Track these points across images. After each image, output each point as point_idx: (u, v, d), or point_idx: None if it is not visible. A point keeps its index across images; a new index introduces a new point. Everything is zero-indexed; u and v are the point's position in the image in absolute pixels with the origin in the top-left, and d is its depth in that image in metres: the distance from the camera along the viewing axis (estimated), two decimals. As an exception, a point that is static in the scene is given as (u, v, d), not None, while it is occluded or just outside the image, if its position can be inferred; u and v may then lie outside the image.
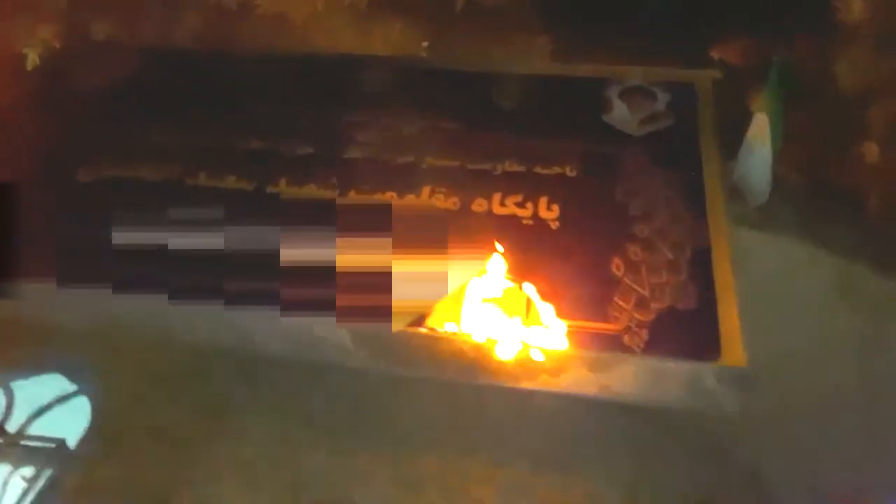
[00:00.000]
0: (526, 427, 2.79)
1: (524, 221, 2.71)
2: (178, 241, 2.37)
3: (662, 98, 3.00)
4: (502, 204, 2.76)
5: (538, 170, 2.85)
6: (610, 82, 3.07)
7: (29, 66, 3.23)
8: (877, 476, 2.56)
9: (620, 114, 2.97)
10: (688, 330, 2.41)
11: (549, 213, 2.72)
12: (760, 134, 2.76)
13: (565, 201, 2.74)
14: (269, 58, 3.28)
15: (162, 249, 2.38)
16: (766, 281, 2.70)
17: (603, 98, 3.03)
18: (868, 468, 2.60)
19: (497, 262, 2.56)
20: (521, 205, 2.75)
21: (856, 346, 2.76)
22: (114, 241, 2.39)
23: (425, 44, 3.40)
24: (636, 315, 2.44)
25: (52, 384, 3.21)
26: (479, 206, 2.76)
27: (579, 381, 2.44)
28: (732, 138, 2.87)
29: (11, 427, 3.07)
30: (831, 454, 2.61)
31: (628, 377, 2.42)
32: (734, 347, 2.36)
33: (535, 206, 2.74)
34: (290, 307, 2.37)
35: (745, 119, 2.85)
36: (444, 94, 3.14)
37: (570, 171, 2.84)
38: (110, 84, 3.24)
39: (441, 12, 3.25)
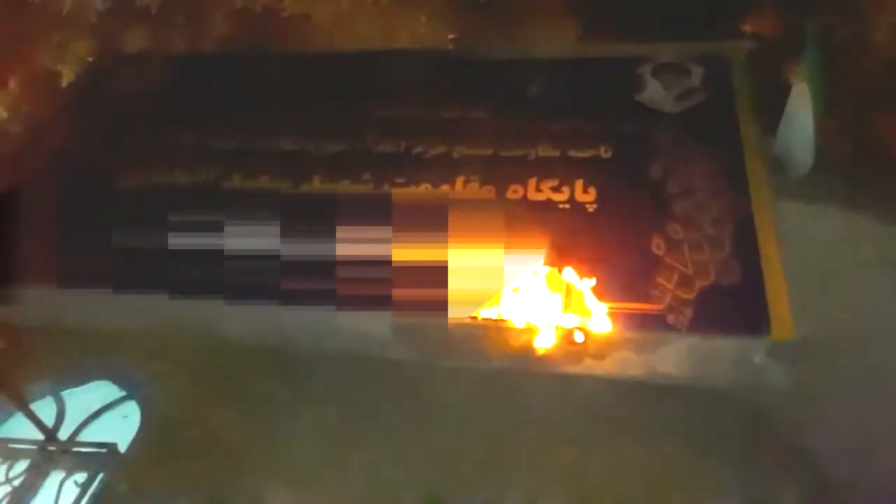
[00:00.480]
0: (572, 413, 2.75)
1: (561, 206, 2.68)
2: (229, 243, 2.40)
3: (696, 73, 2.95)
4: (538, 189, 2.74)
5: (572, 153, 2.82)
6: (641, 61, 3.03)
7: (64, 83, 3.30)
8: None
9: (654, 92, 2.92)
10: (734, 306, 2.37)
11: (586, 195, 2.69)
12: (801, 104, 2.69)
13: (601, 183, 2.71)
14: (296, 58, 3.31)
15: (212, 252, 2.41)
16: (813, 253, 2.63)
17: (635, 77, 2.99)
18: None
19: (539, 249, 2.54)
20: (556, 189, 2.72)
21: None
22: (170, 244, 2.43)
23: (451, 36, 3.38)
24: (679, 293, 2.40)
25: (102, 391, 3.26)
26: (514, 192, 2.74)
27: (624, 363, 2.41)
28: (770, 110, 2.81)
29: (63, 434, 3.13)
30: (884, 428, 2.53)
31: (674, 357, 2.38)
32: (783, 322, 2.31)
33: (572, 189, 2.71)
34: (336, 303, 2.39)
35: (781, 90, 2.78)
36: (473, 84, 3.14)
37: (604, 153, 2.81)
38: (143, 94, 3.29)
39: (465, 3, 3.23)
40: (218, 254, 2.47)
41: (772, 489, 2.75)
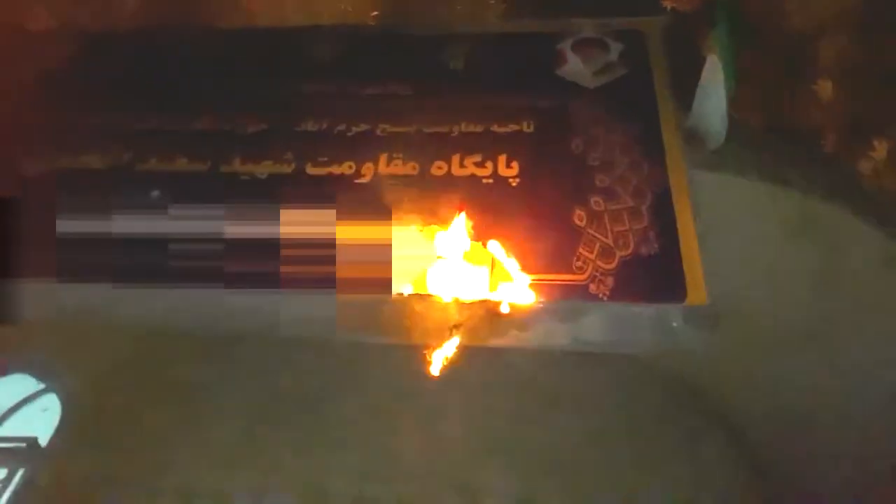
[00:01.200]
0: (501, 384, 2.81)
1: (484, 181, 2.70)
2: (128, 225, 2.33)
3: (615, 48, 2.99)
4: (462, 165, 2.74)
5: (495, 128, 2.83)
6: (562, 36, 3.05)
7: (-39, 66, 3.12)
8: (836, 402, 2.63)
9: (574, 66, 2.96)
10: (652, 274, 2.43)
11: (509, 170, 2.71)
12: (714, 76, 2.76)
13: (524, 158, 2.73)
14: (214, 35, 3.20)
15: (109, 236, 2.33)
16: (727, 221, 2.73)
17: (556, 52, 3.01)
18: (828, 395, 2.67)
19: (459, 223, 2.55)
20: (480, 164, 2.73)
21: (814, 279, 2.82)
22: (59, 231, 2.33)
23: (374, 12, 3.34)
24: (601, 264, 2.45)
25: (20, 385, 3.15)
26: (438, 168, 2.73)
27: (549, 332, 2.45)
28: (686, 83, 2.87)
29: (-19, 430, 3.02)
30: (795, 383, 2.67)
31: (597, 325, 2.44)
32: (697, 287, 2.38)
33: (495, 164, 2.73)
34: (242, 282, 2.36)
35: (698, 63, 2.85)
36: (396, 60, 3.11)
37: (526, 128, 2.83)
38: (50, 73, 3.14)
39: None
40: (138, 238, 2.40)
41: (693, 446, 2.88)
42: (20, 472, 2.88)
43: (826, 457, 2.85)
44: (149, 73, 3.14)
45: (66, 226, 2.33)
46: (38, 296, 2.60)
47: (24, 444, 2.96)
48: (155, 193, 2.55)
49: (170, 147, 2.84)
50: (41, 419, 3.06)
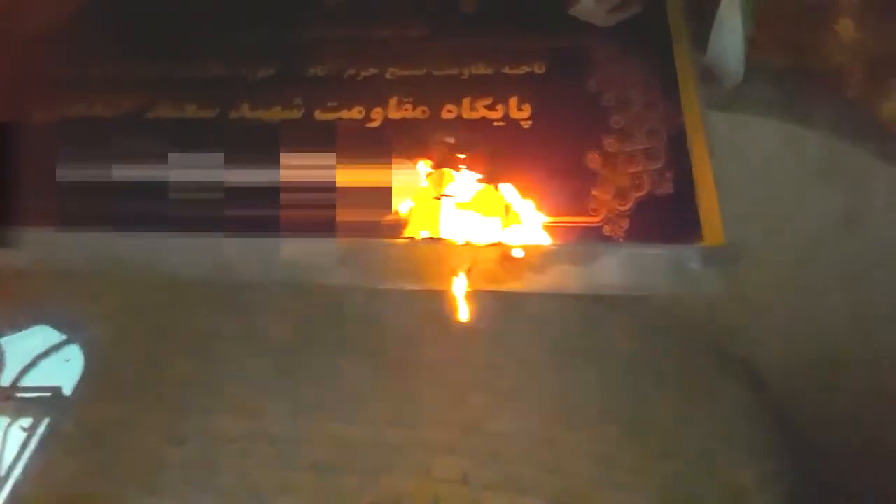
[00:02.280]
0: (516, 329, 2.80)
1: (495, 123, 2.65)
2: (136, 172, 2.33)
3: (629, -15, 2.90)
4: (472, 108, 2.69)
5: (506, 70, 2.78)
6: (574, -26, 2.97)
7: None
8: (859, 345, 2.60)
9: (587, 5, 2.87)
10: (667, 215, 2.39)
11: (521, 112, 2.66)
12: (731, 13, 2.69)
13: (536, 100, 2.67)
14: (219, -20, 3.15)
15: (121, 183, 2.34)
16: (745, 162, 2.68)
17: (567, -9, 2.93)
18: (850, 338, 2.63)
19: (471, 165, 2.52)
20: (491, 107, 2.68)
21: (836, 222, 2.77)
22: (59, 178, 2.34)
23: (387, -48, 3.26)
24: (615, 205, 2.41)
25: (42, 335, 3.20)
26: (448, 112, 2.69)
27: (564, 275, 2.43)
28: (702, 21, 2.80)
29: (5, 381, 3.08)
30: (817, 326, 2.64)
31: (612, 267, 2.41)
32: (714, 228, 2.34)
33: (506, 107, 2.67)
34: (276, 229, 2.36)
35: (715, 1, 2.77)
36: (406, 2, 3.04)
37: (538, 69, 2.77)
38: (56, 22, 3.11)
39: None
40: (151, 185, 2.40)
41: (712, 392, 2.87)
42: (45, 421, 2.94)
43: (849, 401, 2.83)
44: (155, 20, 3.10)
45: (69, 174, 2.33)
46: (51, 243, 2.63)
47: (48, 394, 3.02)
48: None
49: (179, 94, 2.82)
50: (64, 369, 3.11)
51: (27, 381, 3.11)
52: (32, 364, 3.16)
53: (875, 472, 2.97)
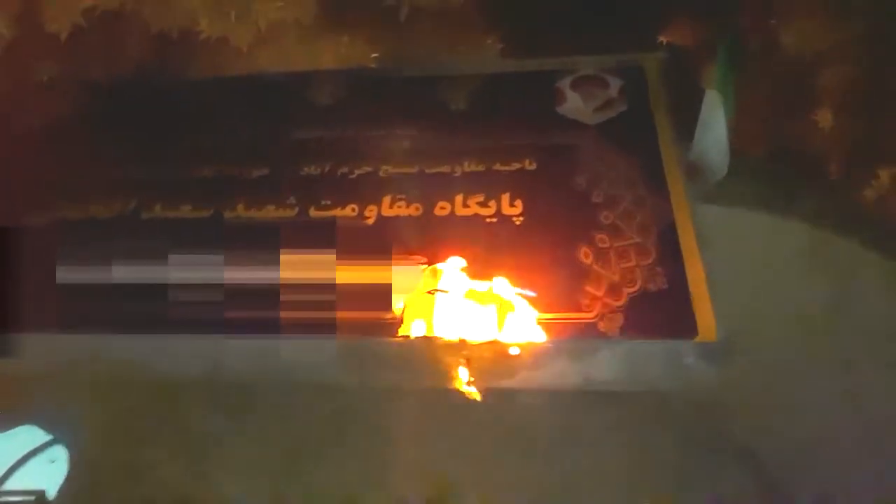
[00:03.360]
0: (514, 426, 2.77)
1: (488, 220, 2.70)
2: (134, 273, 2.34)
3: (614, 84, 3.01)
4: (465, 205, 2.75)
5: (497, 167, 2.85)
6: (561, 74, 3.08)
7: (-32, 115, 3.15)
8: (853, 433, 2.58)
9: (574, 104, 2.98)
10: (661, 310, 2.42)
11: (513, 209, 2.72)
12: (713, 110, 2.77)
13: (527, 196, 2.74)
14: (215, 82, 3.23)
15: (118, 284, 2.34)
16: (734, 254, 2.71)
17: (555, 90, 3.04)
18: (845, 426, 2.62)
19: (464, 263, 2.55)
20: (483, 204, 2.74)
21: (826, 309, 2.79)
22: (59, 280, 2.34)
23: (374, 55, 3.37)
24: (609, 301, 2.44)
25: (27, 436, 3.12)
26: (442, 209, 2.74)
27: (560, 372, 2.44)
28: (687, 117, 2.89)
29: (-12, 484, 2.98)
30: (813, 414, 2.63)
31: (608, 363, 2.42)
32: (708, 323, 2.37)
33: (498, 203, 2.73)
34: (272, 329, 2.36)
35: (697, 97, 2.87)
36: (397, 102, 3.13)
37: (528, 165, 2.84)
38: (56, 123, 3.17)
39: (387, 22, 3.23)
40: (143, 286, 2.41)
41: (712, 482, 2.83)
42: (28, 527, 2.84)
43: (848, 486, 2.80)
44: (152, 121, 3.16)
45: (68, 275, 2.33)
46: (44, 346, 2.61)
47: (32, 497, 2.92)
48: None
49: (174, 194, 2.86)
50: (49, 471, 3.02)
51: (12, 484, 3.01)
52: (17, 466, 3.06)
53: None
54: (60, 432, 3.06)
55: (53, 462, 3.07)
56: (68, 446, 3.03)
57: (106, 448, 2.91)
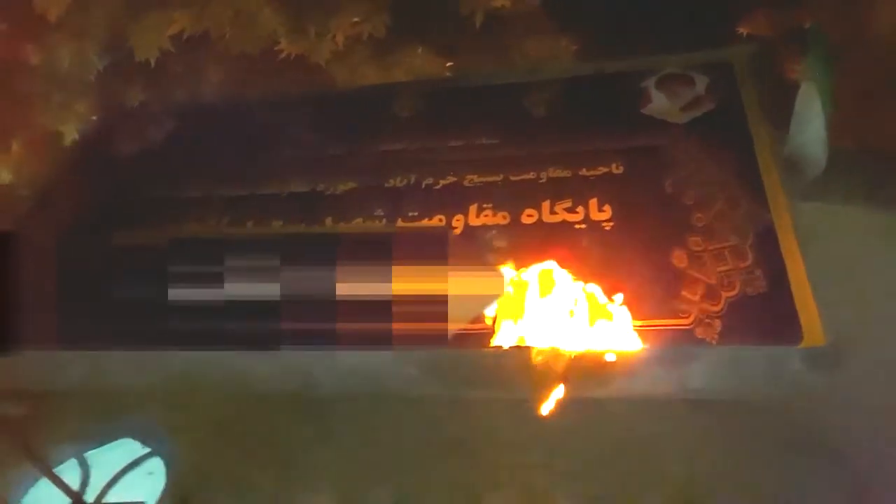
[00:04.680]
0: (608, 437, 2.70)
1: (577, 226, 2.65)
2: (231, 290, 2.37)
3: (701, 82, 2.93)
4: (552, 212, 2.70)
5: (583, 172, 2.80)
6: (644, 73, 3.01)
7: (67, 142, 3.31)
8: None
9: (660, 104, 2.91)
10: (762, 315, 2.32)
11: (601, 214, 2.66)
12: (810, 104, 2.66)
13: (616, 200, 2.68)
14: (297, 100, 3.30)
15: (213, 301, 2.38)
16: (837, 253, 2.58)
17: (639, 90, 2.97)
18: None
19: (558, 271, 2.50)
20: (571, 210, 2.69)
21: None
22: (171, 298, 2.39)
23: (449, 64, 3.38)
24: (706, 306, 2.36)
25: (125, 449, 3.22)
26: (529, 217, 2.71)
27: (655, 381, 2.37)
28: (778, 111, 2.78)
29: (90, 496, 3.08)
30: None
31: (706, 371, 2.34)
32: (813, 327, 2.26)
33: (586, 209, 2.68)
34: (348, 342, 2.36)
35: (787, 90, 2.76)
36: (477, 111, 3.12)
37: (615, 169, 2.78)
38: (147, 147, 3.29)
39: (460, 30, 3.23)
40: (226, 303, 2.44)
41: (816, 499, 2.69)
42: (131, 538, 2.93)
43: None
44: (238, 141, 3.24)
45: (177, 294, 2.38)
46: (141, 362, 2.69)
47: (132, 509, 3.01)
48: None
49: (264, 211, 2.92)
50: (147, 483, 3.11)
51: (111, 497, 3.11)
52: (116, 478, 3.16)
53: None
54: (157, 445, 3.14)
55: (151, 474, 3.17)
56: (165, 459, 3.11)
57: (201, 459, 2.98)
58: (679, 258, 2.47)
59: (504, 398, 2.49)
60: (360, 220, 2.81)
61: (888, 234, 2.77)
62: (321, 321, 2.39)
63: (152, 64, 3.17)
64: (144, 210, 3.06)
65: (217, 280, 2.32)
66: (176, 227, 2.94)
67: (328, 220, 2.84)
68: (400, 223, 2.77)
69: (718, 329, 2.32)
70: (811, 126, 2.64)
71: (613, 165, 2.78)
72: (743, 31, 3.06)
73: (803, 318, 2.28)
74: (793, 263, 2.40)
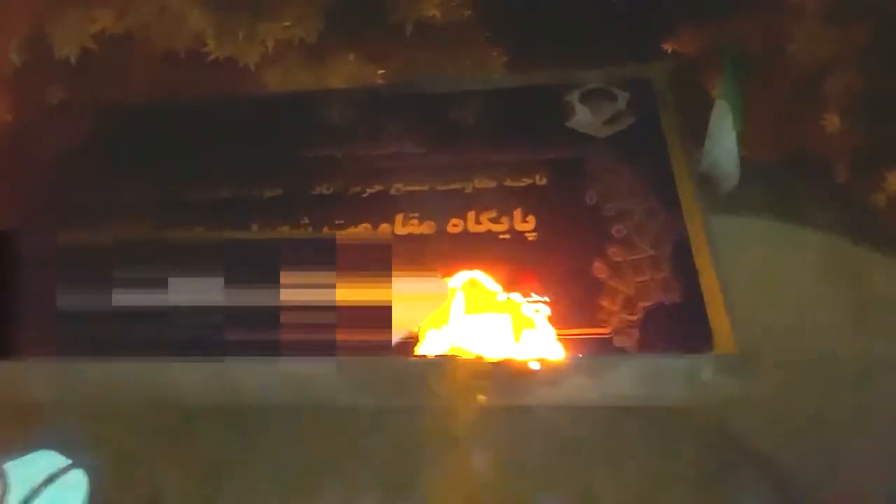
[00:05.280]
0: (532, 444, 2.76)
1: (501, 236, 2.70)
2: (154, 298, 2.34)
3: (622, 97, 3.01)
4: (477, 222, 2.75)
5: (508, 183, 2.85)
6: (569, 87, 3.07)
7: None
8: (880, 442, 2.57)
9: (584, 117, 2.97)
10: (678, 324, 2.41)
11: (525, 224, 2.72)
12: (723, 120, 2.77)
13: (539, 211, 2.74)
14: (225, 103, 3.25)
15: (136, 309, 2.34)
16: (748, 263, 2.70)
17: (564, 104, 3.03)
18: (870, 434, 2.60)
19: (480, 280, 2.55)
20: (495, 220, 2.74)
21: (844, 316, 2.78)
22: (88, 305, 2.35)
23: (381, 72, 3.38)
24: (624, 316, 2.44)
25: (46, 461, 3.13)
26: (454, 226, 2.74)
27: (578, 388, 2.42)
28: (697, 127, 2.88)
29: (8, 508, 2.99)
30: (838, 426, 2.61)
31: (626, 379, 2.40)
32: (725, 335, 2.36)
33: (511, 219, 2.73)
34: (281, 351, 2.36)
35: (707, 105, 2.87)
36: (406, 119, 3.12)
37: (539, 181, 2.84)
38: (68, 148, 3.19)
39: (392, 38, 3.24)
40: (157, 310, 2.41)
41: (732, 498, 2.81)
42: (47, 552, 2.84)
43: (872, 498, 2.78)
44: (163, 144, 3.17)
45: (91, 301, 2.34)
46: (63, 371, 2.62)
47: (50, 523, 2.92)
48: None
49: (188, 217, 2.87)
50: (68, 496, 3.03)
51: (30, 509, 3.01)
52: (38, 490, 3.06)
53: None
54: (79, 457, 3.06)
55: (72, 486, 3.08)
56: (87, 471, 3.03)
57: (124, 472, 2.91)
58: (599, 268, 2.55)
59: (428, 407, 2.51)
60: (286, 227, 2.79)
61: (797, 245, 2.91)
62: (247, 331, 2.38)
63: (73, 61, 3.08)
64: (61, 214, 2.96)
65: (161, 285, 2.30)
66: (94, 231, 2.85)
67: (254, 227, 2.81)
68: (326, 231, 2.76)
69: (636, 338, 2.40)
70: (724, 142, 2.75)
71: (537, 177, 2.84)
72: (668, 47, 3.16)
73: (715, 327, 2.38)
74: (706, 274, 2.50)
